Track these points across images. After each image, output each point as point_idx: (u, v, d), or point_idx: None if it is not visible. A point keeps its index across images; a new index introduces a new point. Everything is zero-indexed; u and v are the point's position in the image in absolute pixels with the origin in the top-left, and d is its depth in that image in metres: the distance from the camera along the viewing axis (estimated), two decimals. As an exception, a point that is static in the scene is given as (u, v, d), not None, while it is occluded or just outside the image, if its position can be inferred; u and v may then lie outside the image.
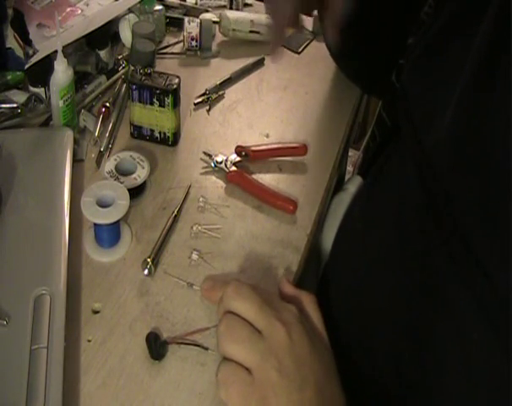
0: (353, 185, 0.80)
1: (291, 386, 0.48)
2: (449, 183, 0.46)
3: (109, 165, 0.70)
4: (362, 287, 0.59)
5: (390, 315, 0.54)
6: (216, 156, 0.76)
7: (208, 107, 0.86)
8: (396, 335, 0.53)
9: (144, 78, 0.74)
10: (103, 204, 0.63)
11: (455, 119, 0.46)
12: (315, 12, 1.04)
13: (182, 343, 0.58)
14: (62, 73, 0.72)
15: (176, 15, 1.01)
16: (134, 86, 0.74)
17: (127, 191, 0.65)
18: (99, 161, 0.75)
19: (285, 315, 0.52)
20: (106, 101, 0.81)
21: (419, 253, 0.51)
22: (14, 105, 0.78)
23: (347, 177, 1.17)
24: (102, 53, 0.88)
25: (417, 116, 0.54)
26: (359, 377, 0.57)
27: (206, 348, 0.58)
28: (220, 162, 0.76)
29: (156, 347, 0.57)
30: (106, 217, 0.62)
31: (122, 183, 0.67)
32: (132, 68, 0.79)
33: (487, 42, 0.45)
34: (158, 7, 0.96)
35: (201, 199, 0.72)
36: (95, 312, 0.60)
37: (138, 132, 0.78)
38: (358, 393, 0.56)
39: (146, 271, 0.63)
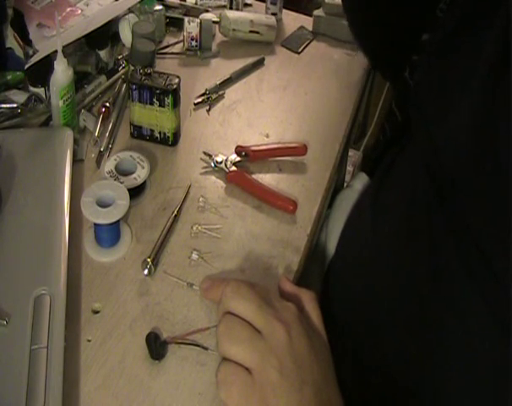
0: (358, 182, 0.80)
1: (292, 386, 0.48)
2: (458, 179, 0.46)
3: (109, 165, 0.70)
4: (370, 282, 0.59)
5: (398, 312, 0.54)
6: (216, 156, 0.76)
7: (208, 107, 0.86)
8: (403, 331, 0.53)
9: (144, 78, 0.74)
10: (103, 204, 0.63)
11: (468, 118, 0.46)
12: (315, 11, 1.04)
13: (182, 343, 0.58)
14: (62, 73, 0.72)
15: (176, 15, 1.01)
16: (134, 86, 0.74)
17: (127, 191, 0.65)
18: (99, 161, 0.75)
19: (284, 314, 0.52)
20: (106, 101, 0.81)
21: (427, 247, 0.52)
22: (14, 105, 0.77)
23: (347, 177, 1.17)
24: (102, 53, 0.88)
25: (429, 112, 0.54)
26: (366, 373, 0.57)
27: (206, 348, 0.58)
28: (220, 162, 0.76)
29: (156, 347, 0.57)
30: (106, 217, 0.62)
31: (122, 183, 0.67)
32: (132, 68, 0.79)
33: (500, 41, 0.45)
34: (158, 7, 0.96)
35: (201, 199, 0.72)
36: (95, 312, 0.60)
37: (138, 132, 0.78)
38: (365, 390, 0.57)
39: (146, 271, 0.63)
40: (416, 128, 0.58)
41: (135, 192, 0.69)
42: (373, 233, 0.63)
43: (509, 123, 0.41)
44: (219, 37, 1.00)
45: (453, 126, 0.48)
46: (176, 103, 0.75)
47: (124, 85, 0.86)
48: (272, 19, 1.00)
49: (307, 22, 1.06)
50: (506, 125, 0.41)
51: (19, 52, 0.81)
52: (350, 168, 1.30)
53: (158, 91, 0.73)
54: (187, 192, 0.72)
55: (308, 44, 1.02)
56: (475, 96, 0.46)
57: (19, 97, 0.79)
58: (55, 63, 0.72)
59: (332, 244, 0.76)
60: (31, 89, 0.80)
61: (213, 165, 0.76)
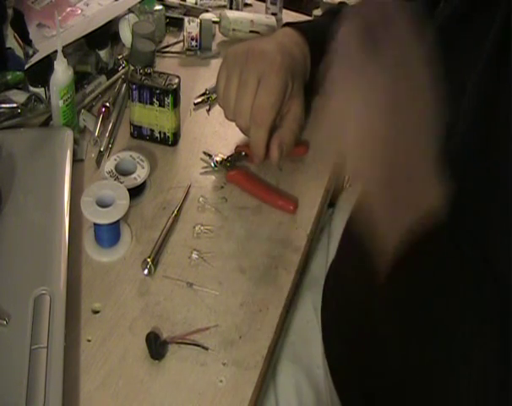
0: None
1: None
2: (454, 170, 0.46)
3: (109, 165, 0.70)
4: (371, 283, 0.59)
5: (398, 314, 0.54)
6: (216, 156, 0.76)
7: (208, 107, 0.86)
8: (403, 331, 0.53)
9: (144, 78, 0.74)
10: (103, 204, 0.63)
11: (467, 111, 0.46)
12: (315, 11, 1.04)
13: (182, 343, 0.58)
14: (62, 73, 0.72)
15: (176, 15, 1.01)
16: (134, 86, 0.74)
17: (127, 191, 0.65)
18: (99, 161, 0.75)
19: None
20: (106, 101, 0.81)
21: (426, 247, 0.52)
22: (14, 105, 0.78)
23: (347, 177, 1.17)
24: (102, 53, 0.88)
25: None
26: (365, 373, 0.57)
27: (206, 348, 0.58)
28: (220, 162, 0.76)
29: (156, 347, 0.57)
30: (106, 217, 0.62)
31: (122, 183, 0.67)
32: (132, 68, 0.79)
33: (500, 30, 0.45)
34: (158, 7, 0.96)
35: (201, 199, 0.72)
36: (95, 312, 0.60)
37: (138, 132, 0.78)
38: (366, 390, 0.57)
39: (146, 271, 0.63)
40: None
41: (135, 192, 0.69)
42: None
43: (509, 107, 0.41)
44: (219, 37, 1.00)
45: (450, 115, 0.48)
46: (176, 103, 0.75)
47: (124, 85, 0.86)
48: (272, 19, 1.00)
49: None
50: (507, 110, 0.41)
51: (18, 52, 0.80)
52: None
53: (158, 91, 0.73)
54: (187, 192, 0.72)
55: (308, 44, 1.02)
56: (474, 85, 0.46)
57: (18, 97, 0.79)
58: (55, 63, 0.72)
59: (334, 244, 0.76)
60: (31, 89, 0.80)
61: (213, 165, 0.76)
